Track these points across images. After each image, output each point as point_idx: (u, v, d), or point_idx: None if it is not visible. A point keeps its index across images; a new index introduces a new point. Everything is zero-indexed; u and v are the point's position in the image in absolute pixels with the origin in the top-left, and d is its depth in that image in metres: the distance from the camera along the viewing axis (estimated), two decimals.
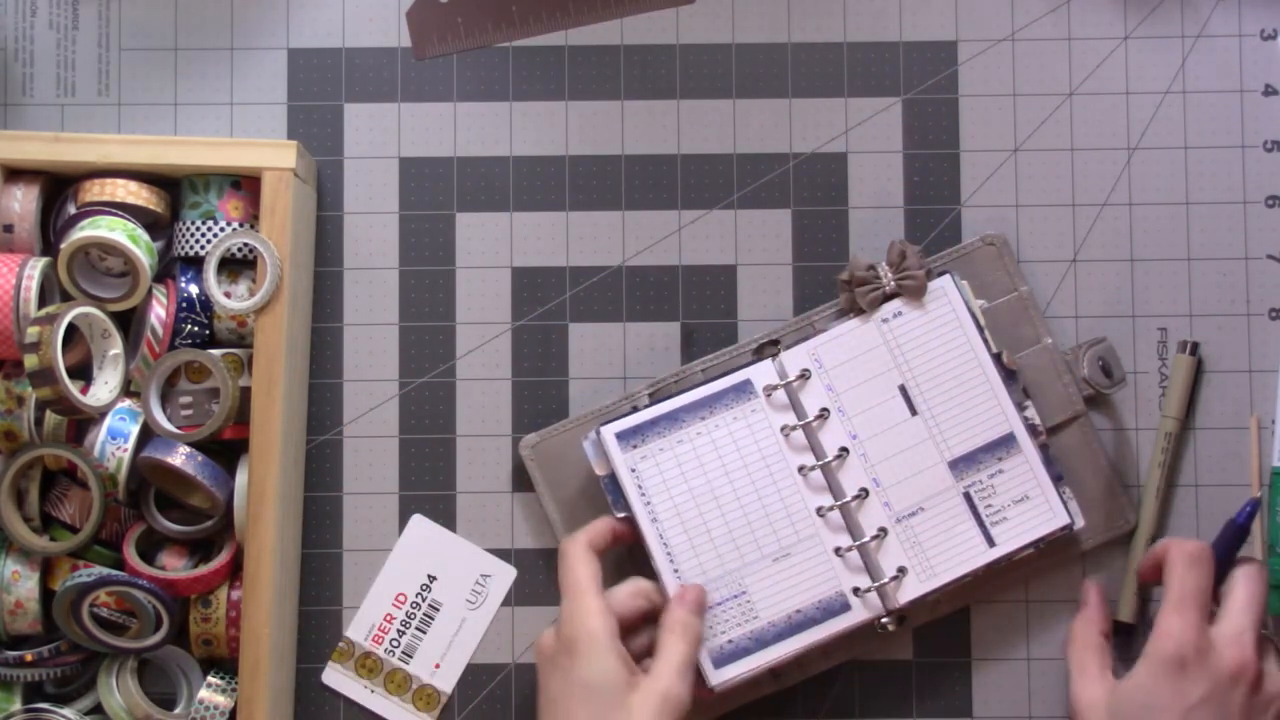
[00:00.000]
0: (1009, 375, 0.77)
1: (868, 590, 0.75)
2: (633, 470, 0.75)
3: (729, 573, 0.75)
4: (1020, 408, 0.77)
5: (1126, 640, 0.79)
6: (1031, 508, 0.76)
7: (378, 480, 0.80)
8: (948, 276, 0.77)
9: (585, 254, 0.81)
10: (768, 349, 0.79)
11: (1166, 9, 0.82)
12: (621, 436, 0.76)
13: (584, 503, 0.78)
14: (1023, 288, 0.79)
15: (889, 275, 0.77)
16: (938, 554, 0.76)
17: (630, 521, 0.76)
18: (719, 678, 0.75)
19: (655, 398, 0.78)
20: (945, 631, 0.80)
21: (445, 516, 0.80)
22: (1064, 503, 0.76)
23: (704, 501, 0.76)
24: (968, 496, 0.76)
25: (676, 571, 0.75)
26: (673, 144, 0.82)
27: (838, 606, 0.75)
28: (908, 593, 0.75)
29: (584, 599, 0.71)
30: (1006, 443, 0.77)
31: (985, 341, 0.77)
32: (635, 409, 0.77)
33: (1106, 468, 0.79)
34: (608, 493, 0.76)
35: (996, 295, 0.79)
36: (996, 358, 0.77)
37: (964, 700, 0.80)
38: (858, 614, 0.75)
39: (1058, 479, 0.77)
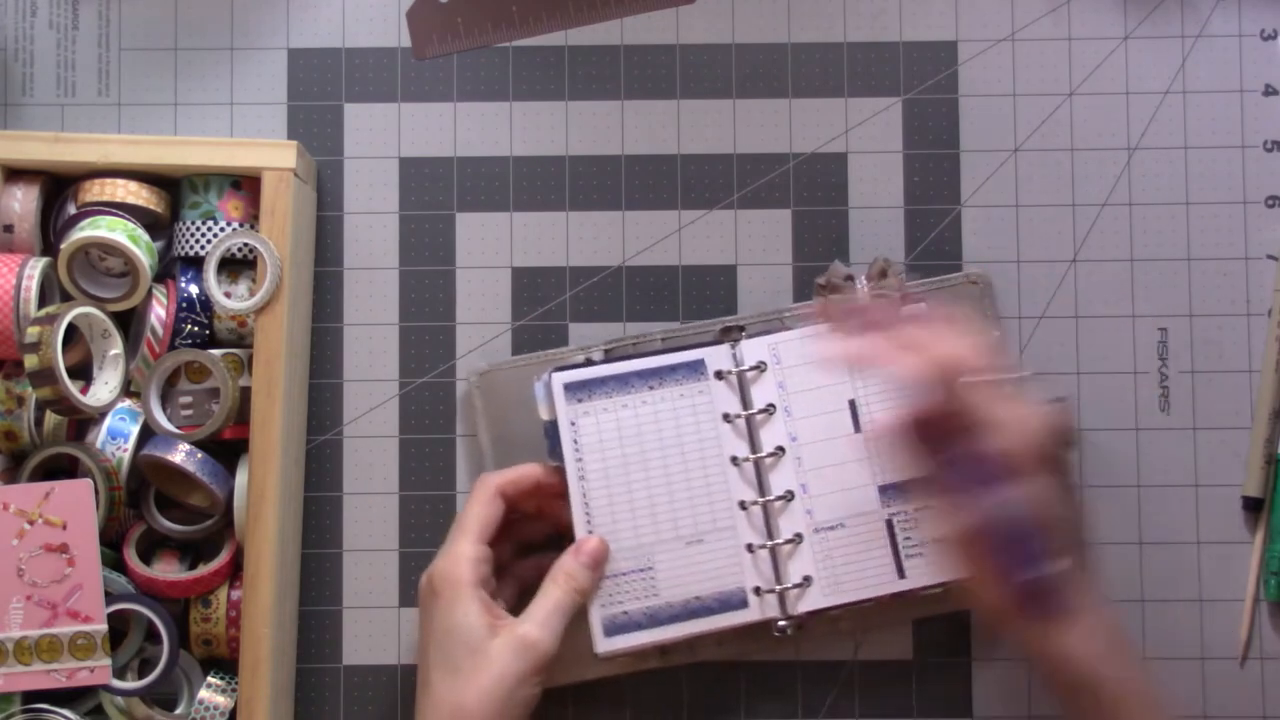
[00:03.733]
0: None
1: (769, 592, 0.75)
2: (573, 423, 0.75)
3: (641, 545, 0.75)
4: None
5: (1255, 515, 0.79)
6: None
7: (378, 480, 0.80)
8: (923, 305, 0.77)
9: (585, 254, 0.81)
10: (732, 333, 0.79)
11: (1166, 9, 0.82)
12: (570, 388, 0.76)
13: (521, 441, 0.78)
14: (996, 333, 0.79)
15: (865, 289, 0.77)
16: (847, 572, 0.76)
17: (561, 472, 0.75)
18: (606, 646, 0.75)
19: (611, 355, 0.78)
20: (945, 631, 0.80)
21: (445, 517, 0.80)
22: None
23: (633, 470, 0.76)
24: (890, 524, 0.76)
25: (591, 532, 0.75)
26: (673, 144, 0.82)
27: (735, 602, 0.75)
28: (809, 603, 0.75)
29: (458, 543, 0.72)
30: None
31: None
32: (589, 361, 0.77)
33: None
34: (547, 438, 0.76)
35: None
36: None
37: (964, 700, 0.80)
38: (753, 613, 0.75)
39: None
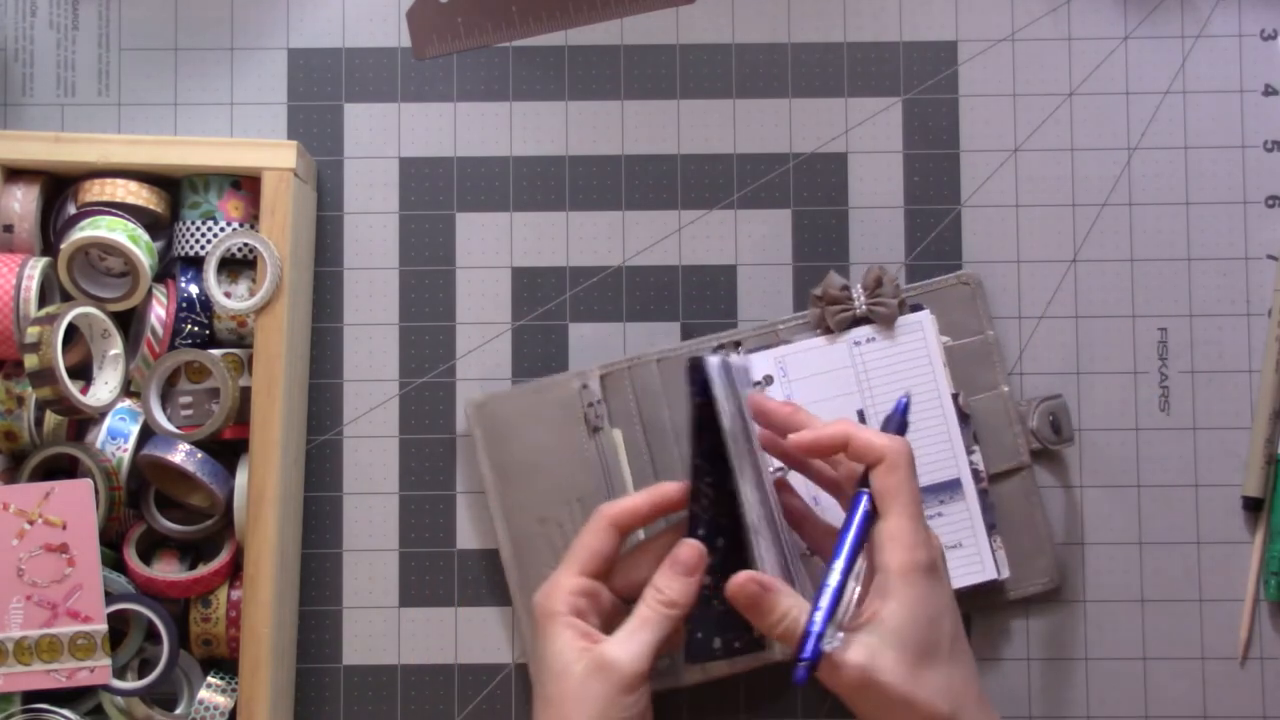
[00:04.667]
0: (963, 419, 0.77)
1: None
2: (724, 408, 0.69)
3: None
4: (967, 452, 0.77)
5: (1255, 515, 0.79)
6: (963, 555, 0.76)
7: (378, 480, 0.80)
8: (926, 312, 0.77)
9: (585, 254, 0.81)
10: (728, 349, 0.78)
11: (1166, 9, 0.82)
12: (719, 370, 0.69)
13: (521, 468, 0.78)
14: (989, 332, 0.79)
15: (862, 299, 0.77)
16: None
17: (705, 456, 0.69)
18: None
19: (606, 378, 0.77)
20: None
21: (445, 517, 0.80)
22: (993, 554, 0.76)
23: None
24: None
25: (755, 523, 0.68)
26: (673, 144, 0.82)
27: None
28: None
29: (559, 573, 0.70)
30: (952, 487, 0.76)
31: (947, 383, 0.77)
32: (585, 387, 0.77)
33: (1040, 523, 0.79)
34: (692, 424, 0.69)
35: (962, 335, 0.79)
36: (953, 399, 0.77)
37: None
38: None
39: (990, 527, 0.77)
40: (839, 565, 0.65)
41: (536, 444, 0.78)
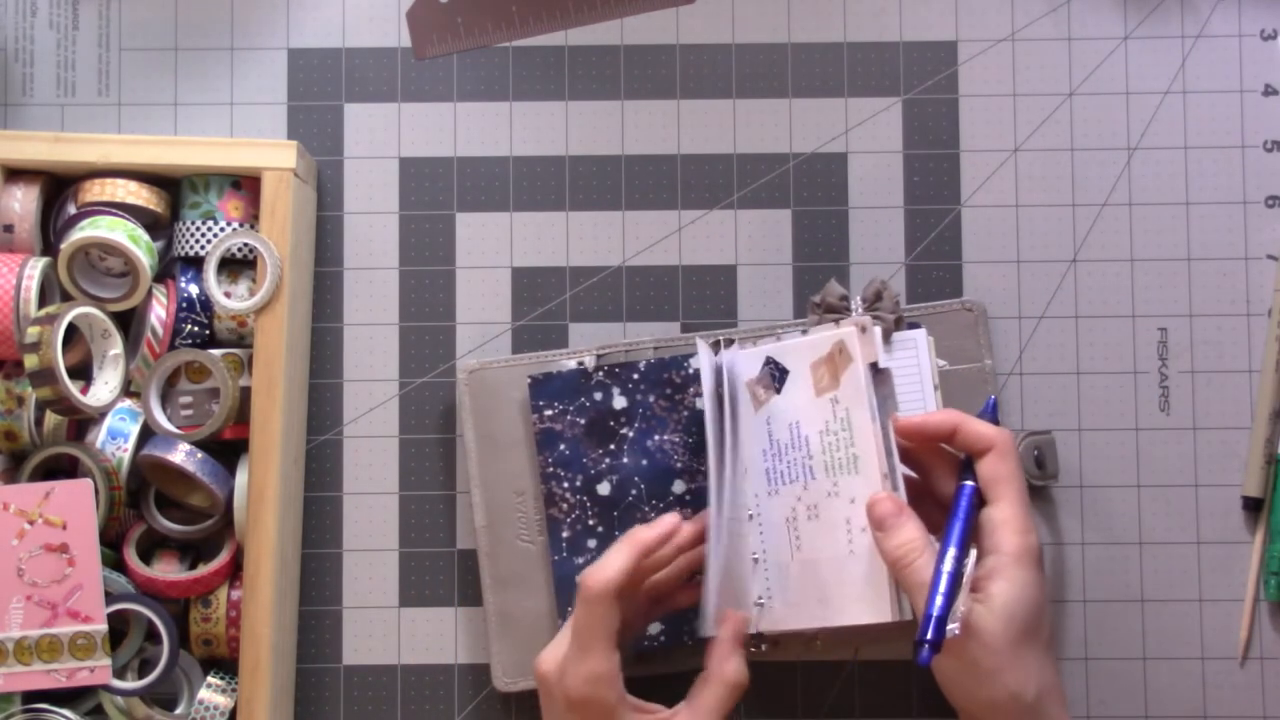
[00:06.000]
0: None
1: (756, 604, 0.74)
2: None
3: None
4: None
5: (1255, 515, 0.79)
6: None
7: (378, 480, 0.80)
8: (923, 331, 0.76)
9: (585, 254, 0.81)
10: (724, 346, 0.78)
11: (1166, 9, 0.82)
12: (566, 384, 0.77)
13: (506, 441, 0.78)
14: (987, 361, 0.79)
15: (859, 310, 0.77)
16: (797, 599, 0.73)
17: (558, 463, 0.75)
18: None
19: (603, 360, 0.78)
20: None
21: (445, 517, 0.80)
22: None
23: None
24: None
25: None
26: (673, 144, 0.82)
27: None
28: (765, 623, 0.73)
29: (595, 660, 0.67)
30: None
31: (937, 405, 0.76)
32: (580, 365, 0.77)
33: None
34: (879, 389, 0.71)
35: (960, 361, 0.79)
36: None
37: None
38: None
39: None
40: (952, 552, 0.66)
41: (524, 417, 0.78)
